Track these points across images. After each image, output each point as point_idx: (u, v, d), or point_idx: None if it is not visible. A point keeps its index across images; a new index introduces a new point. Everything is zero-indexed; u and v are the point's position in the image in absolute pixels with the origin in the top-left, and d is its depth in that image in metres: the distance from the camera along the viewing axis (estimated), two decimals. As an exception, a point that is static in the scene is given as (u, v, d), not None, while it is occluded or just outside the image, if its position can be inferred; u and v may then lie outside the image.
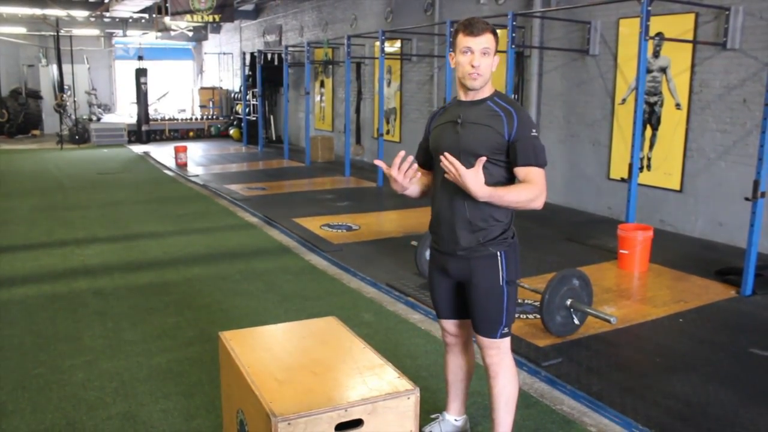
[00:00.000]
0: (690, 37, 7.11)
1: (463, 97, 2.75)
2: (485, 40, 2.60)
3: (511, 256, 2.76)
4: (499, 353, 2.81)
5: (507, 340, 2.83)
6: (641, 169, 7.64)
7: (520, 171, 2.63)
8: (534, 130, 2.64)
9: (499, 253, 2.72)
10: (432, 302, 3.03)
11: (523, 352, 4.14)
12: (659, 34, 7.20)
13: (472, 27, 2.61)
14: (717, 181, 7.05)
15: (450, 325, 2.98)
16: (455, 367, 3.07)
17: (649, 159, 7.74)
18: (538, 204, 2.61)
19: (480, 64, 2.61)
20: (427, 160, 2.90)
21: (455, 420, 3.14)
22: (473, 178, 2.46)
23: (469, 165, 2.55)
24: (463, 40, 2.63)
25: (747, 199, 5.22)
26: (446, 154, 2.49)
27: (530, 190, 2.58)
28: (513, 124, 2.62)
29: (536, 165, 2.62)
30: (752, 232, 5.23)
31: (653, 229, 6.07)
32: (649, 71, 7.46)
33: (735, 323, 4.79)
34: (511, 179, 2.69)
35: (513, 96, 8.34)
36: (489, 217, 2.68)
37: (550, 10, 8.40)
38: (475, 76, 2.63)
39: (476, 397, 3.54)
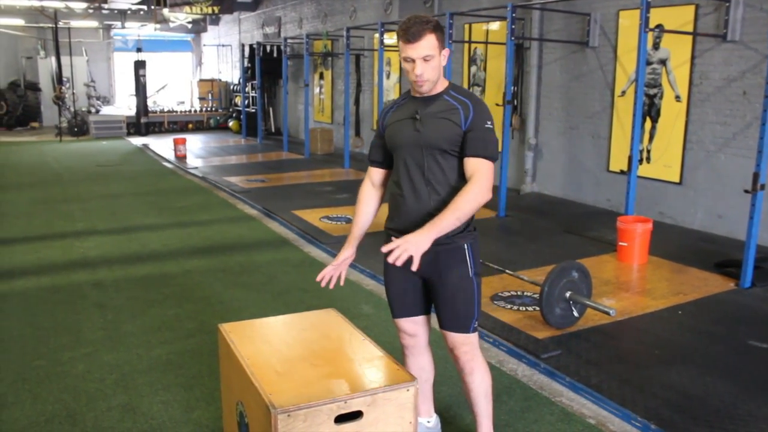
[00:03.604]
0: (690, 28, 7.09)
1: (416, 94, 2.68)
2: (424, 47, 2.50)
3: (476, 248, 2.71)
4: (472, 349, 2.74)
5: (477, 335, 2.76)
6: (641, 161, 7.64)
7: (467, 162, 2.56)
8: (489, 122, 2.58)
9: (465, 246, 2.66)
10: (388, 300, 2.88)
11: (523, 344, 4.15)
12: (659, 26, 7.18)
13: (408, 33, 2.50)
14: (716, 173, 7.04)
15: (409, 324, 2.84)
16: (417, 368, 2.91)
17: (648, 151, 7.73)
18: (482, 201, 2.53)
19: (423, 71, 2.53)
20: (385, 158, 2.83)
21: (427, 422, 3.07)
22: (416, 247, 2.37)
23: (432, 159, 2.60)
24: (402, 48, 2.53)
25: (746, 191, 5.22)
26: (390, 251, 2.38)
27: (471, 191, 2.49)
28: (469, 115, 2.56)
29: (484, 156, 2.55)
30: (752, 224, 5.23)
31: (652, 221, 6.07)
32: (648, 63, 7.44)
33: (734, 315, 4.79)
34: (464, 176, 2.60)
35: (512, 88, 8.32)
36: None
37: (549, 2, 8.38)
38: (421, 83, 2.57)
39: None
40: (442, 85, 2.66)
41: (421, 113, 2.63)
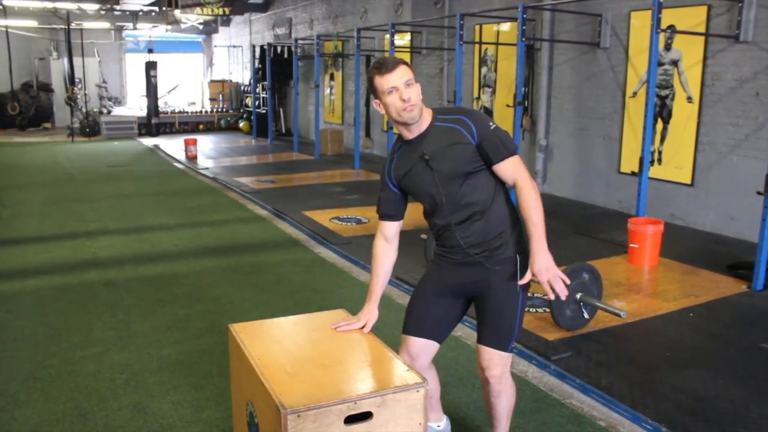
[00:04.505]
0: (702, 29, 7.06)
1: (410, 136, 2.63)
2: (403, 73, 2.51)
3: (527, 263, 2.63)
4: (504, 371, 2.67)
5: (511, 357, 2.70)
6: (652, 162, 7.60)
7: (499, 169, 2.56)
8: (491, 123, 2.57)
9: (518, 258, 2.63)
10: (406, 314, 2.80)
11: (533, 346, 4.14)
12: (671, 27, 7.14)
13: (385, 65, 2.53)
14: (728, 174, 7.00)
15: (416, 344, 2.74)
16: None
17: (660, 152, 7.69)
18: (538, 191, 2.57)
19: (410, 95, 2.50)
20: (397, 210, 2.80)
21: (437, 426, 3.04)
22: (554, 271, 2.51)
23: (461, 186, 2.57)
24: (382, 82, 2.51)
25: (759, 193, 5.19)
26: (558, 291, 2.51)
27: (529, 197, 2.52)
28: (472, 128, 2.54)
29: (509, 155, 2.55)
30: (764, 226, 5.19)
31: (664, 223, 6.04)
32: (660, 64, 7.41)
33: (746, 318, 4.76)
34: (497, 180, 2.61)
35: (523, 89, 8.29)
36: (499, 223, 2.62)
37: (560, 3, 8.35)
38: (410, 108, 2.52)
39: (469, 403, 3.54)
40: (428, 114, 2.62)
41: (427, 152, 2.58)
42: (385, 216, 2.83)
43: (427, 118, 2.61)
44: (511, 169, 2.56)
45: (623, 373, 3.83)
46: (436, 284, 2.75)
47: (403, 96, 2.50)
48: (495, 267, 2.62)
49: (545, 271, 2.49)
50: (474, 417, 3.35)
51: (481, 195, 2.59)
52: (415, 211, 2.88)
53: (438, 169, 2.57)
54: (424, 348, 2.75)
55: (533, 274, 2.52)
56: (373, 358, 2.52)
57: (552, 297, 2.54)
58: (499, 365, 2.65)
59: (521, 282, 2.56)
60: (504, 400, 2.73)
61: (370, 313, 2.79)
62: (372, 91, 2.59)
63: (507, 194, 2.66)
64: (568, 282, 2.53)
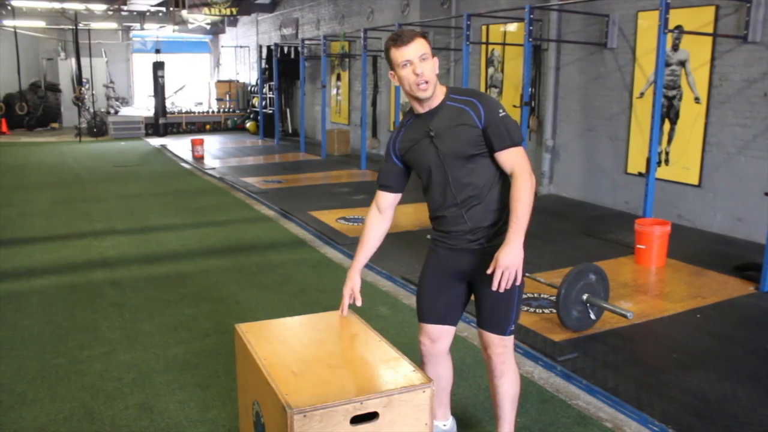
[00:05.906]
0: (710, 30, 7.03)
1: (420, 110, 2.66)
2: (419, 46, 2.53)
3: (524, 249, 2.68)
4: (505, 351, 2.73)
5: (513, 339, 2.76)
6: (659, 163, 7.58)
7: (500, 156, 2.58)
8: (501, 110, 2.58)
9: None
10: (418, 303, 2.90)
11: (539, 347, 4.13)
12: (678, 27, 7.12)
13: (401, 38, 2.54)
14: (736, 175, 6.97)
15: (434, 329, 2.84)
16: (435, 378, 2.79)
17: (667, 153, 7.67)
18: (533, 184, 2.59)
19: (423, 70, 2.53)
20: (396, 182, 2.84)
21: (443, 425, 3.06)
22: (515, 263, 2.49)
23: (461, 168, 2.61)
24: (397, 54, 2.54)
25: (766, 194, 5.16)
26: (496, 281, 2.49)
27: (522, 189, 2.54)
28: (480, 112, 2.56)
29: (512, 145, 2.57)
30: (772, 227, 5.17)
31: (671, 224, 6.02)
32: (667, 65, 7.38)
33: (753, 319, 4.74)
34: (498, 168, 2.63)
35: (530, 90, 8.28)
36: (496, 210, 2.66)
37: (568, 3, 8.34)
38: (423, 84, 2.55)
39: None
40: (441, 92, 2.65)
41: (434, 129, 2.62)
42: (382, 186, 2.89)
43: (439, 95, 2.64)
44: (511, 158, 2.58)
45: (630, 374, 3.82)
46: (438, 272, 2.81)
47: (417, 70, 2.54)
48: (490, 256, 2.61)
49: (510, 265, 2.48)
50: (480, 418, 3.35)
51: (479, 180, 2.63)
52: (420, 212, 2.88)
53: (441, 148, 2.61)
54: (442, 333, 2.86)
55: (497, 264, 2.49)
56: (379, 358, 2.52)
57: (494, 287, 2.51)
58: (500, 346, 2.73)
59: (488, 272, 2.54)
60: (507, 382, 2.78)
61: (351, 280, 2.91)
62: (388, 62, 2.63)
63: (508, 184, 2.66)
64: (518, 283, 2.54)
